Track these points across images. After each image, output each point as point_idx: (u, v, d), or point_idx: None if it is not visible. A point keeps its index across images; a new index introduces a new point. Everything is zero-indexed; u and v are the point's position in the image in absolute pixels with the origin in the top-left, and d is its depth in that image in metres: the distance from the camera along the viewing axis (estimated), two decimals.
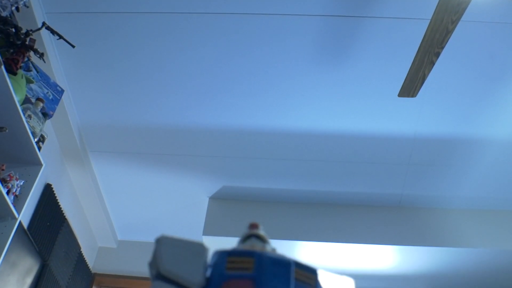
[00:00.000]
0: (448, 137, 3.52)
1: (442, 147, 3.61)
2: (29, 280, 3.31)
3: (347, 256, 4.23)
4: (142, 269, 4.49)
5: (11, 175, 2.46)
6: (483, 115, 3.35)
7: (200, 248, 0.94)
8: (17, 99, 2.29)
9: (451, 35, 2.28)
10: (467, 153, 3.66)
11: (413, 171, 3.86)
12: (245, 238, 1.08)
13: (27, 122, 2.45)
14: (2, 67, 2.14)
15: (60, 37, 2.57)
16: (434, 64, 2.45)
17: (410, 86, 2.61)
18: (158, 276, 0.89)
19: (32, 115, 2.55)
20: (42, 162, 2.69)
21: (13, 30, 2.34)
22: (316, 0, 2.71)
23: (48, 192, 3.49)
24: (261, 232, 1.09)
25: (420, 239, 4.05)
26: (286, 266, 0.87)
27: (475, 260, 4.21)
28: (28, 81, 2.54)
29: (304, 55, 3.01)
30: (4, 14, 2.28)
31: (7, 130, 2.34)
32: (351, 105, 3.32)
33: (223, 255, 0.90)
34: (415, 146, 3.60)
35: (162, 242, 0.94)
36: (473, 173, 3.84)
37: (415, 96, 2.68)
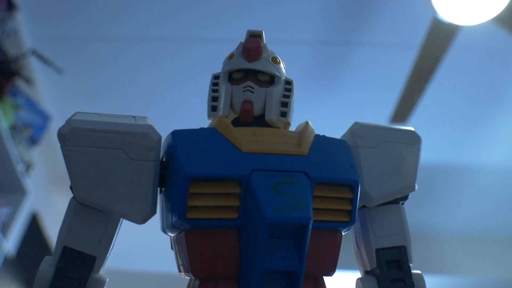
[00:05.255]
0: (438, 165, 3.51)
1: (432, 175, 3.59)
2: None
3: (340, 285, 4.17)
4: None
5: None
6: (475, 142, 3.34)
7: (148, 142, 0.54)
8: (3, 125, 2.27)
9: (441, 62, 2.29)
10: (458, 181, 3.65)
11: None
12: (232, 76, 0.62)
13: (14, 149, 2.42)
14: None
15: (48, 65, 2.54)
16: (424, 91, 2.45)
17: (401, 113, 2.60)
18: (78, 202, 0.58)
19: (19, 142, 2.51)
20: (30, 190, 2.64)
21: (1, 55, 2.33)
22: (307, 26, 2.71)
23: (35, 221, 3.42)
24: (265, 59, 0.63)
25: (413, 266, 4.01)
26: (301, 192, 0.50)
27: None
28: (15, 108, 2.51)
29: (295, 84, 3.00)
30: None
31: None
32: (341, 134, 3.30)
33: (184, 176, 0.50)
34: None
35: (68, 143, 0.52)
36: (466, 201, 3.83)
37: (406, 122, 2.67)
